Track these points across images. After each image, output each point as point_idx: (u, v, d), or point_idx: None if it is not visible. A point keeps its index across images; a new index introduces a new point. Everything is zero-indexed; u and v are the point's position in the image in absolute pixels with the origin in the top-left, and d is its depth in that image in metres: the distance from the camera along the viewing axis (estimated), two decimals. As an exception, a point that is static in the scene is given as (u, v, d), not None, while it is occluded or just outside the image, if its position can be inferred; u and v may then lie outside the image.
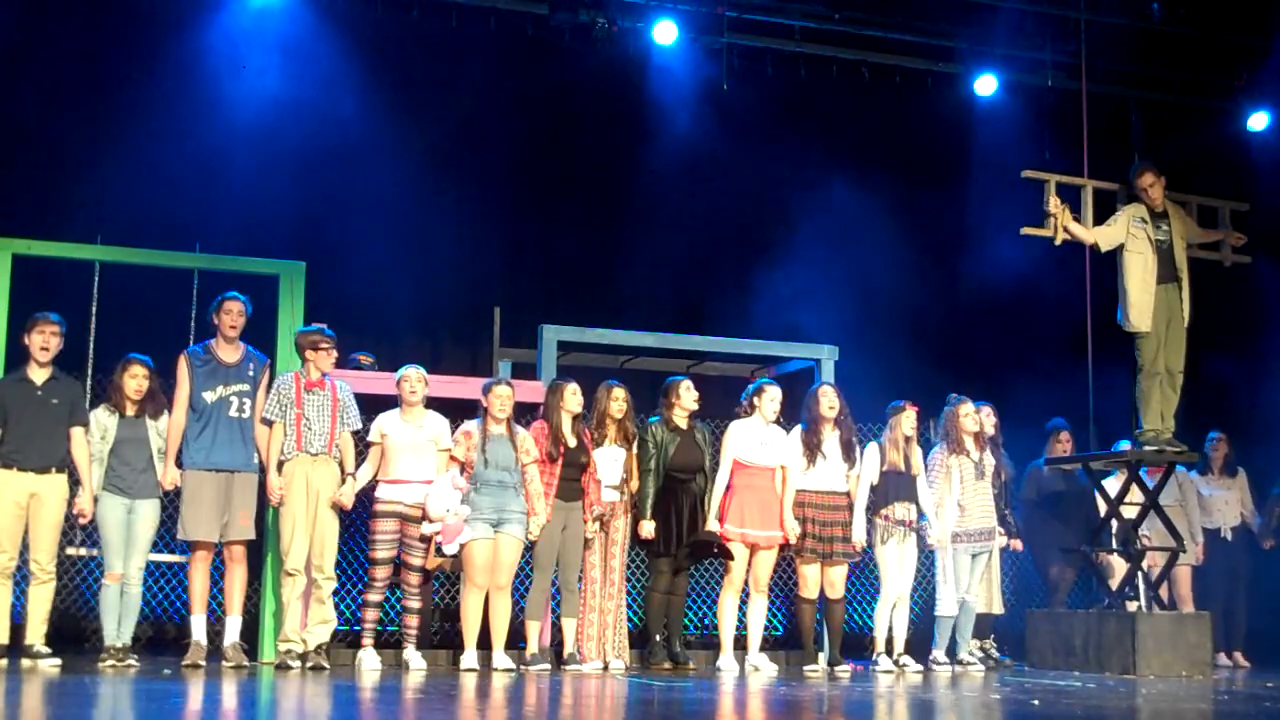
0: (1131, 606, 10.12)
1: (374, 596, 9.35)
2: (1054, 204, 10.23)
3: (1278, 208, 12.82)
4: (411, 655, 9.19)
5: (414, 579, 9.33)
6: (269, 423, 9.09)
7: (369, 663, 9.14)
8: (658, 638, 9.85)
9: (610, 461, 9.70)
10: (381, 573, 9.31)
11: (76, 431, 8.87)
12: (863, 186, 13.28)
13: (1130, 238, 10.25)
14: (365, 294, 11.77)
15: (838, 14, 12.92)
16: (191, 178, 11.33)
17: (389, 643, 9.78)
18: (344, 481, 9.15)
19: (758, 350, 11.30)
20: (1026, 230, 10.31)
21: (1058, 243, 10.32)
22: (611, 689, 8.01)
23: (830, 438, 9.82)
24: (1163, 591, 10.59)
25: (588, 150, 12.91)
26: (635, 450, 9.80)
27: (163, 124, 11.40)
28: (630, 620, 10.41)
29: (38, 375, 8.84)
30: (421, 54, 12.37)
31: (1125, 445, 11.01)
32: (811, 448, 9.76)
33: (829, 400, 9.86)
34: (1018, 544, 11.12)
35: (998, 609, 10.59)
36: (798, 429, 9.88)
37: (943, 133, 13.59)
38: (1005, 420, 10.91)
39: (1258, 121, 13.99)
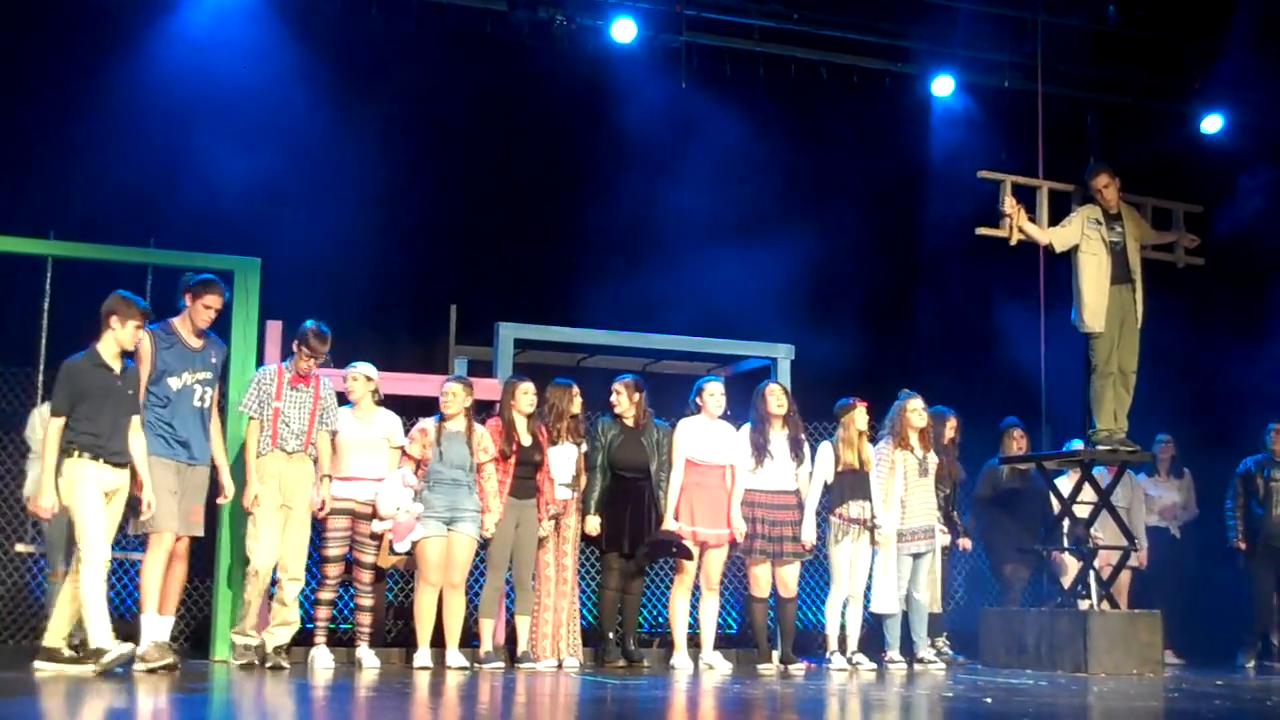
0: (1083, 605, 10.18)
1: (326, 595, 9.32)
2: (1009, 204, 10.28)
3: (1229, 209, 12.93)
4: (364, 653, 9.16)
5: (366, 576, 9.30)
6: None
7: (322, 661, 9.11)
8: (611, 636, 9.85)
9: (563, 459, 9.69)
10: (333, 570, 9.29)
11: (136, 420, 8.36)
12: (821, 186, 13.31)
13: (1085, 239, 10.30)
14: (321, 291, 11.69)
15: (796, 14, 12.94)
16: (146, 173, 11.24)
17: (341, 641, 9.74)
18: (320, 482, 9.10)
19: (714, 349, 11.32)
20: (982, 230, 10.36)
21: (1013, 243, 10.37)
22: (565, 687, 8.00)
23: (778, 436, 9.84)
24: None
25: (546, 147, 12.88)
26: (584, 448, 9.80)
27: (117, 119, 11.31)
28: (585, 618, 10.41)
29: (115, 364, 8.24)
30: (379, 50, 12.31)
31: (1078, 444, 11.07)
32: (759, 447, 9.77)
33: (776, 399, 9.87)
34: (966, 543, 11.19)
35: (937, 607, 10.62)
36: (746, 427, 9.89)
37: (900, 133, 13.63)
38: (959, 418, 10.99)
39: (1211, 124, 14.08)
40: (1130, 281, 10.36)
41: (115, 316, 8.14)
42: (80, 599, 7.92)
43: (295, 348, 9.11)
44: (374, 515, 9.18)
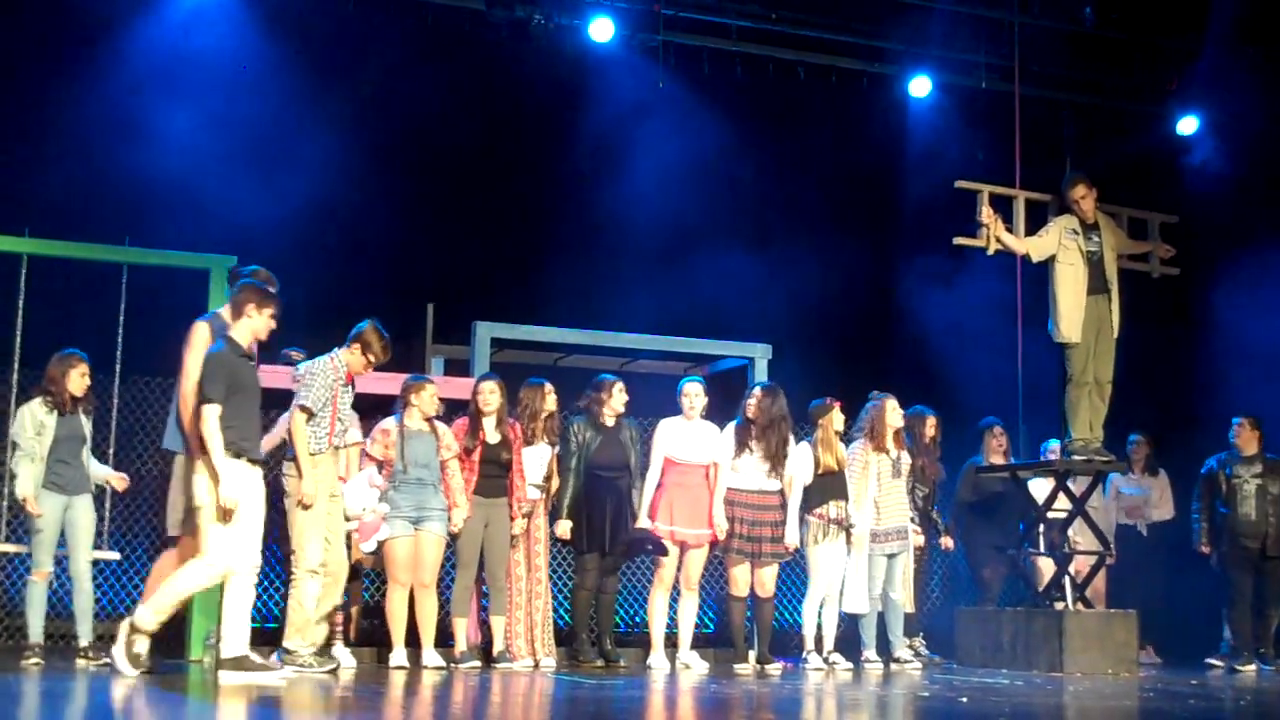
0: (1059, 605, 10.21)
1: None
2: (986, 214, 10.31)
3: (1204, 209, 12.99)
4: (341, 652, 9.13)
5: None
6: (309, 412, 8.43)
7: (344, 660, 9.05)
8: (585, 635, 9.84)
9: (536, 459, 9.67)
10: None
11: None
12: (798, 185, 13.33)
13: (1062, 249, 10.33)
14: (297, 289, 11.67)
15: (775, 14, 12.96)
16: (121, 171, 11.21)
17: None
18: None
19: (691, 349, 11.33)
20: (959, 240, 10.40)
21: (990, 253, 10.40)
22: (541, 687, 7.99)
23: (761, 439, 9.82)
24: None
25: (524, 147, 12.87)
26: (557, 449, 9.77)
27: (92, 116, 11.28)
28: (561, 618, 10.40)
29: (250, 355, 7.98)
30: (357, 48, 12.30)
31: (1054, 444, 11.12)
32: (740, 444, 9.76)
33: (755, 404, 9.83)
34: (948, 542, 11.21)
35: (912, 607, 10.64)
36: (731, 426, 9.88)
37: (878, 132, 13.65)
38: (938, 416, 11.02)
39: (1187, 125, 14.13)
40: (1106, 292, 10.39)
41: (252, 305, 7.92)
42: (233, 603, 7.71)
43: (356, 350, 8.66)
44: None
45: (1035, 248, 10.36)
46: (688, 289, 12.37)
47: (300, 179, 11.75)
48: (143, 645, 7.70)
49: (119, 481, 9.42)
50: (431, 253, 12.45)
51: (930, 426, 10.96)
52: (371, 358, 8.62)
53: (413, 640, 9.24)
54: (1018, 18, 12.80)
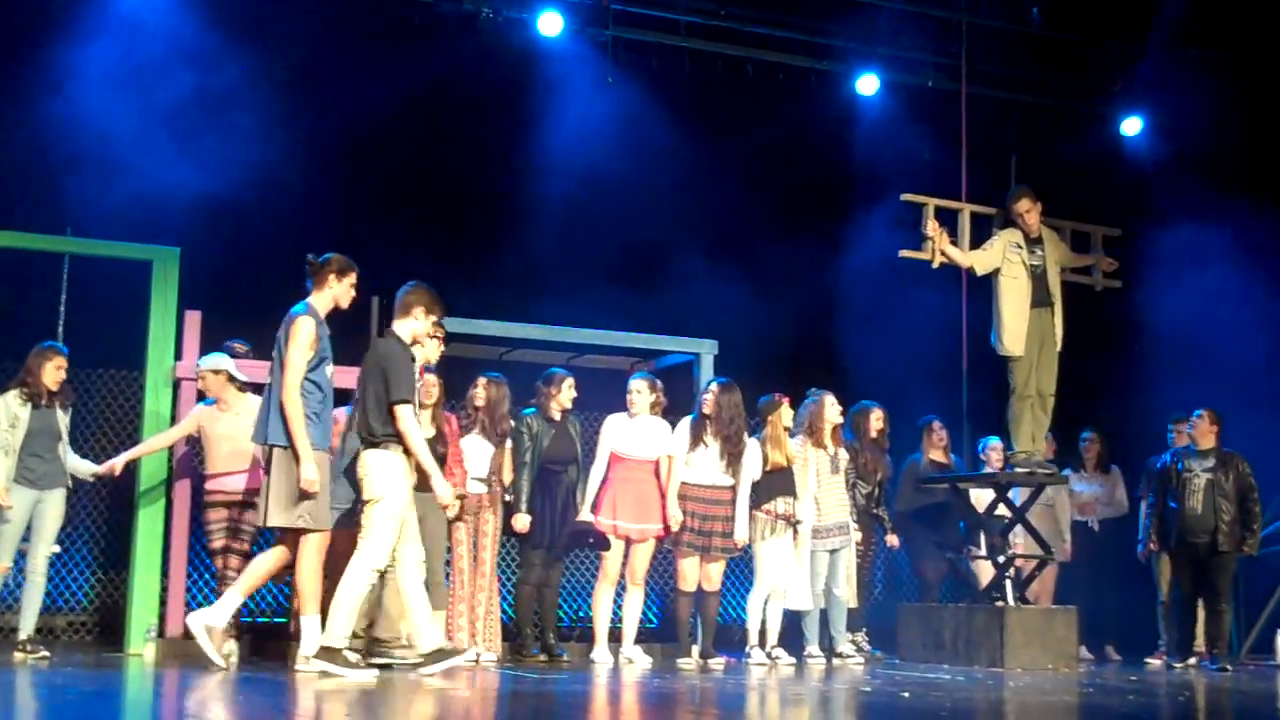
0: (1000, 603, 10.27)
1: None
2: (932, 227, 10.36)
3: (1147, 207, 13.12)
4: (232, 646, 8.98)
5: (235, 564, 9.17)
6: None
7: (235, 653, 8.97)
8: (528, 630, 9.82)
9: (477, 453, 9.63)
10: (221, 562, 9.27)
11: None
12: (746, 181, 13.34)
13: (1006, 262, 10.39)
14: (240, 281, 11.60)
15: (723, 10, 12.97)
16: (62, 160, 11.09)
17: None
18: None
19: (637, 344, 11.33)
20: (904, 253, 10.46)
21: (935, 265, 10.46)
22: (482, 681, 7.97)
23: (719, 434, 9.82)
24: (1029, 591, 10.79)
25: (472, 140, 12.81)
26: (510, 444, 9.73)
27: (33, 105, 11.15)
28: (505, 613, 10.38)
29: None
30: (305, 40, 12.19)
31: (994, 440, 11.20)
32: (696, 439, 9.77)
33: (713, 399, 9.84)
34: (893, 539, 11.27)
35: (855, 602, 10.68)
36: (686, 421, 9.90)
37: (826, 130, 13.68)
38: (885, 411, 11.08)
39: (1131, 126, 14.25)
40: (1050, 305, 10.46)
41: (421, 309, 8.08)
42: (352, 595, 7.77)
43: (427, 340, 8.64)
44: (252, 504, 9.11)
45: (979, 261, 10.42)
46: (635, 284, 12.37)
47: (244, 171, 11.65)
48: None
49: (104, 471, 9.29)
50: (377, 245, 12.32)
51: (876, 421, 11.01)
52: (428, 339, 8.67)
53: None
54: (965, 17, 12.86)
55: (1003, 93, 13.84)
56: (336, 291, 8.01)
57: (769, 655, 9.93)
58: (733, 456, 9.75)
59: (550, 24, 12.59)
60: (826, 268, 13.54)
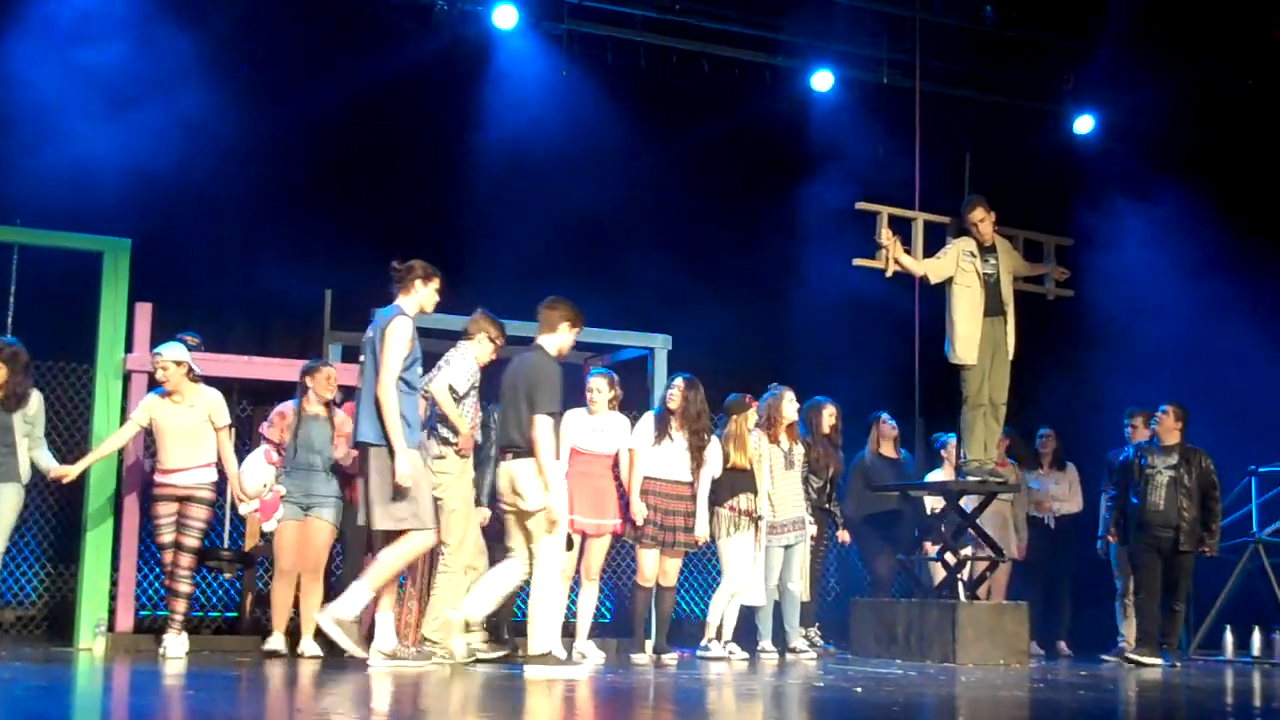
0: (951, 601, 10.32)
1: (184, 587, 9.13)
2: (886, 236, 10.39)
3: (1099, 204, 13.21)
4: (171, 641, 8.94)
5: (185, 561, 9.08)
6: (459, 399, 8.71)
7: (174, 648, 8.91)
8: (483, 624, 9.77)
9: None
10: (168, 557, 9.15)
11: None
12: (701, 176, 13.34)
13: (960, 271, 10.43)
14: (193, 273, 11.54)
15: (678, 4, 12.96)
16: (12, 150, 10.98)
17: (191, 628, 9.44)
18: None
19: (591, 338, 11.28)
20: (858, 261, 10.48)
21: (889, 274, 10.48)
22: (434, 675, 7.93)
23: (684, 429, 9.81)
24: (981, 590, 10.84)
25: (427, 134, 12.76)
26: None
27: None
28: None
29: None
30: (260, 32, 12.12)
31: (951, 438, 11.25)
32: (660, 433, 9.77)
33: (679, 394, 9.84)
34: (845, 535, 11.31)
35: (808, 597, 10.71)
36: (649, 415, 9.91)
37: (781, 126, 13.69)
38: (838, 406, 11.10)
39: (1083, 124, 14.33)
40: (1002, 314, 10.50)
41: (566, 323, 8.43)
42: (550, 599, 8.21)
43: (490, 339, 9.04)
44: (211, 501, 9.07)
45: (933, 270, 10.45)
46: (589, 278, 12.34)
47: (196, 163, 11.59)
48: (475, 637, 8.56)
49: (59, 474, 9.13)
50: (330, 238, 12.31)
51: (829, 416, 11.04)
52: (490, 339, 9.03)
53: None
54: (919, 14, 12.90)
55: (956, 90, 13.87)
56: (422, 296, 8.35)
57: (726, 650, 9.95)
58: (697, 451, 9.78)
59: (505, 17, 12.54)
60: (780, 263, 13.57)
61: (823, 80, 13.64)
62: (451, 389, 8.78)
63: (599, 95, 12.94)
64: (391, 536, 8.23)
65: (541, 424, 8.10)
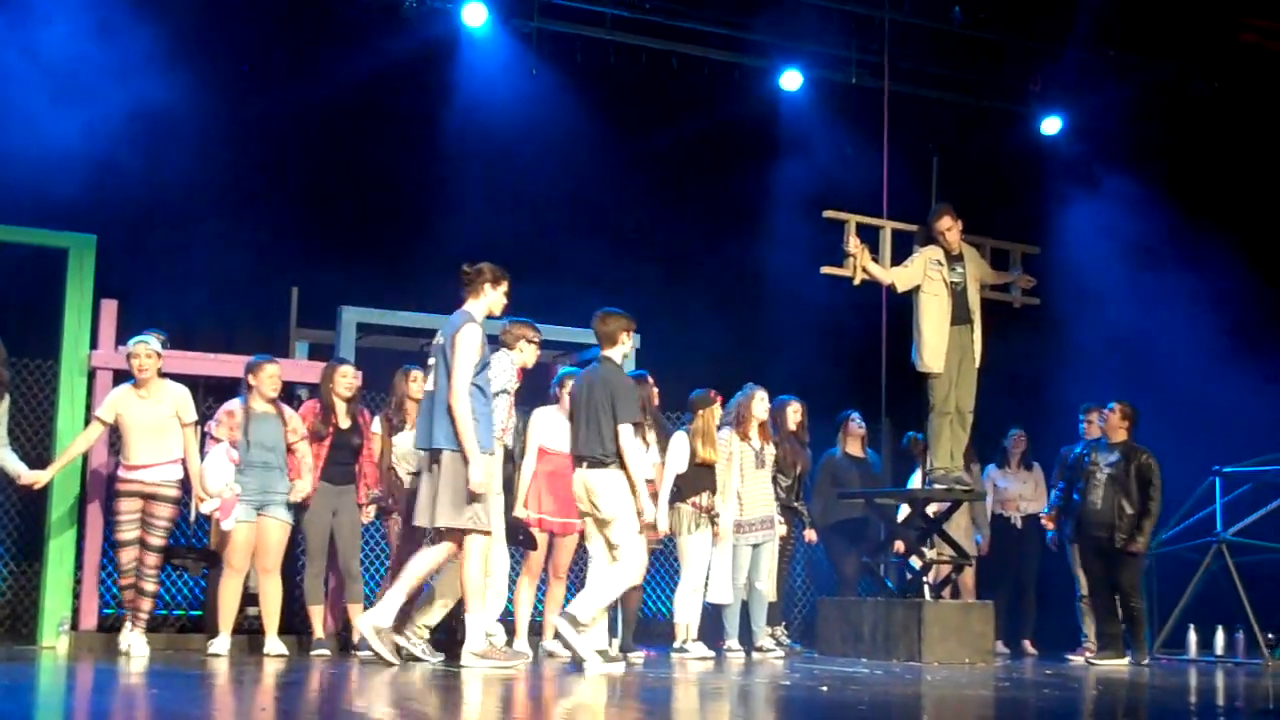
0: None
1: (125, 581, 9.03)
2: (853, 244, 10.40)
3: (1065, 204, 13.26)
4: (134, 639, 8.88)
5: (151, 559, 9.00)
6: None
7: (137, 647, 8.84)
8: (454, 623, 9.75)
9: (409, 446, 9.57)
10: (127, 555, 9.00)
11: None
12: (671, 175, 13.34)
13: (926, 280, 10.44)
14: (159, 270, 11.46)
15: (648, 3, 12.95)
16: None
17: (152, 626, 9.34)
18: None
19: (560, 336, 11.29)
20: (826, 269, 10.49)
21: (856, 283, 10.49)
22: (397, 674, 7.91)
23: (651, 428, 9.81)
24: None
25: (395, 131, 12.73)
26: None
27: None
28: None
29: None
30: (223, 27, 12.05)
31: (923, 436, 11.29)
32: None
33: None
34: (812, 534, 11.32)
35: (774, 596, 10.72)
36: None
37: (750, 125, 13.71)
38: (804, 404, 11.11)
39: (1050, 126, 14.39)
40: (969, 322, 10.52)
41: (625, 332, 8.75)
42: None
43: (523, 344, 9.08)
44: (176, 499, 9.00)
45: (900, 278, 10.47)
46: (557, 275, 12.33)
47: (164, 159, 11.53)
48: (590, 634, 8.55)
49: (29, 480, 8.99)
50: (297, 235, 12.26)
51: (794, 414, 11.05)
52: (524, 343, 9.09)
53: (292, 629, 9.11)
54: (888, 14, 12.93)
55: (925, 90, 13.89)
56: (491, 300, 8.42)
57: (690, 649, 9.94)
58: (662, 449, 9.80)
59: (474, 15, 12.51)
60: (749, 261, 13.59)
61: (791, 80, 13.65)
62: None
63: (568, 93, 12.93)
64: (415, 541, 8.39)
65: (626, 432, 8.46)
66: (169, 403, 9.02)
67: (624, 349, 8.78)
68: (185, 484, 9.13)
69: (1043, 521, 11.54)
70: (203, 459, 9.09)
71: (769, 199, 13.43)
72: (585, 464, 8.57)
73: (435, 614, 8.80)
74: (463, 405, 8.03)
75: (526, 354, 9.10)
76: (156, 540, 9.00)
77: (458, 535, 8.17)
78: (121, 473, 9.06)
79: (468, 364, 8.10)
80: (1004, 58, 14.06)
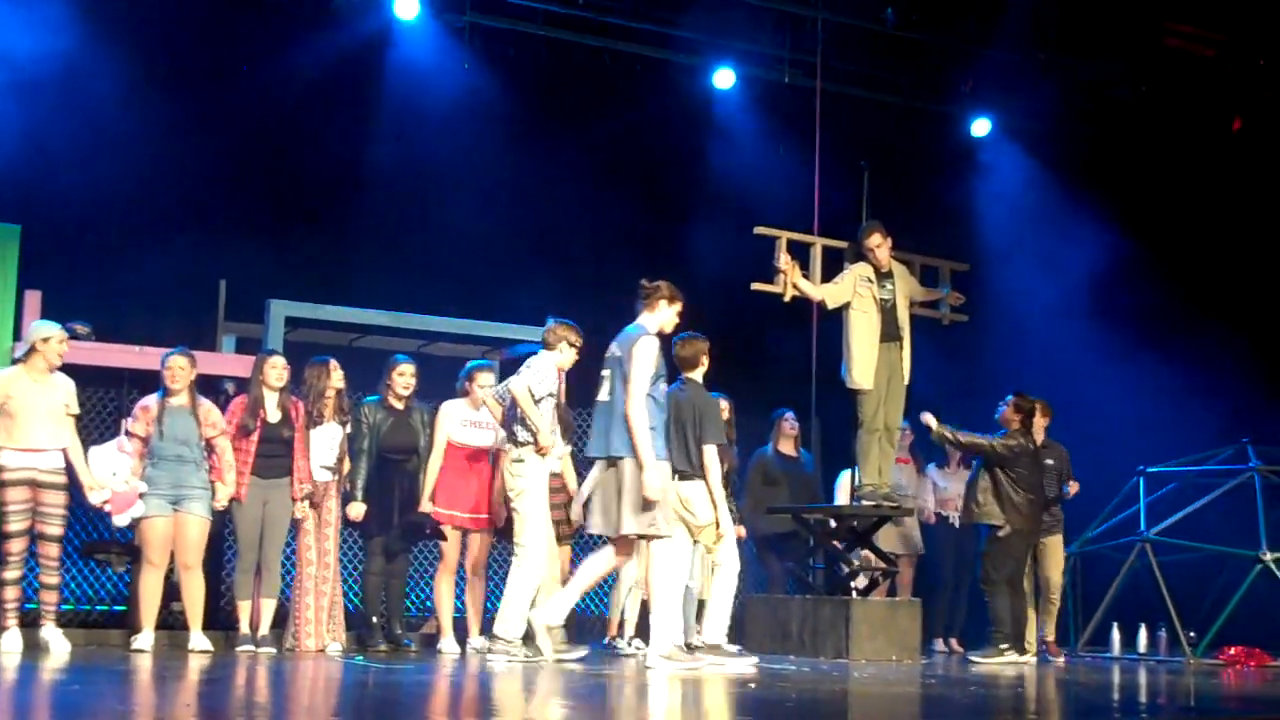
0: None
1: (11, 574, 8.73)
2: (784, 261, 10.43)
3: (993, 204, 13.37)
4: (51, 634, 8.72)
5: (52, 551, 8.80)
6: (536, 401, 8.92)
7: (10, 644, 8.64)
8: (375, 619, 9.72)
9: (325, 440, 9.51)
10: (16, 546, 8.70)
11: None
12: (602, 172, 13.32)
13: (856, 297, 10.48)
14: (84, 260, 11.33)
15: (581, -1, 12.94)
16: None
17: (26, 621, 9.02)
18: None
19: (487, 332, 11.27)
20: (756, 286, 10.50)
21: (787, 299, 10.52)
22: (326, 671, 7.86)
23: (558, 422, 9.78)
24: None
25: (324, 124, 12.63)
26: (348, 429, 9.64)
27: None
28: (351, 602, 10.27)
29: None
30: (155, 20, 11.91)
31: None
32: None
33: None
34: (741, 531, 11.31)
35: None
36: None
37: (682, 123, 13.71)
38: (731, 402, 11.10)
39: (980, 127, 14.50)
40: (899, 339, 10.56)
41: (704, 355, 9.23)
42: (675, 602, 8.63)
43: (568, 346, 9.19)
44: (66, 486, 8.82)
45: (830, 295, 10.50)
46: (486, 272, 12.30)
47: (90, 149, 11.38)
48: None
49: None
50: (225, 228, 12.14)
51: (723, 412, 11.03)
52: (569, 346, 9.20)
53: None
54: (820, 14, 12.98)
55: (857, 90, 13.96)
56: (664, 316, 8.66)
57: (632, 646, 9.93)
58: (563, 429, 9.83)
59: (406, 8, 12.44)
60: (682, 259, 13.58)
61: (724, 78, 13.67)
62: (530, 391, 8.86)
63: (501, 89, 12.89)
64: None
65: (710, 452, 8.87)
66: (62, 391, 8.86)
67: (703, 369, 9.18)
68: (72, 473, 8.93)
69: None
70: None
71: (700, 197, 13.44)
72: (678, 476, 8.82)
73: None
74: (639, 415, 8.19)
75: (566, 356, 9.19)
76: (54, 530, 8.77)
77: (626, 541, 8.43)
78: (7, 460, 8.71)
79: (644, 375, 8.28)
80: (936, 59, 14.15)
